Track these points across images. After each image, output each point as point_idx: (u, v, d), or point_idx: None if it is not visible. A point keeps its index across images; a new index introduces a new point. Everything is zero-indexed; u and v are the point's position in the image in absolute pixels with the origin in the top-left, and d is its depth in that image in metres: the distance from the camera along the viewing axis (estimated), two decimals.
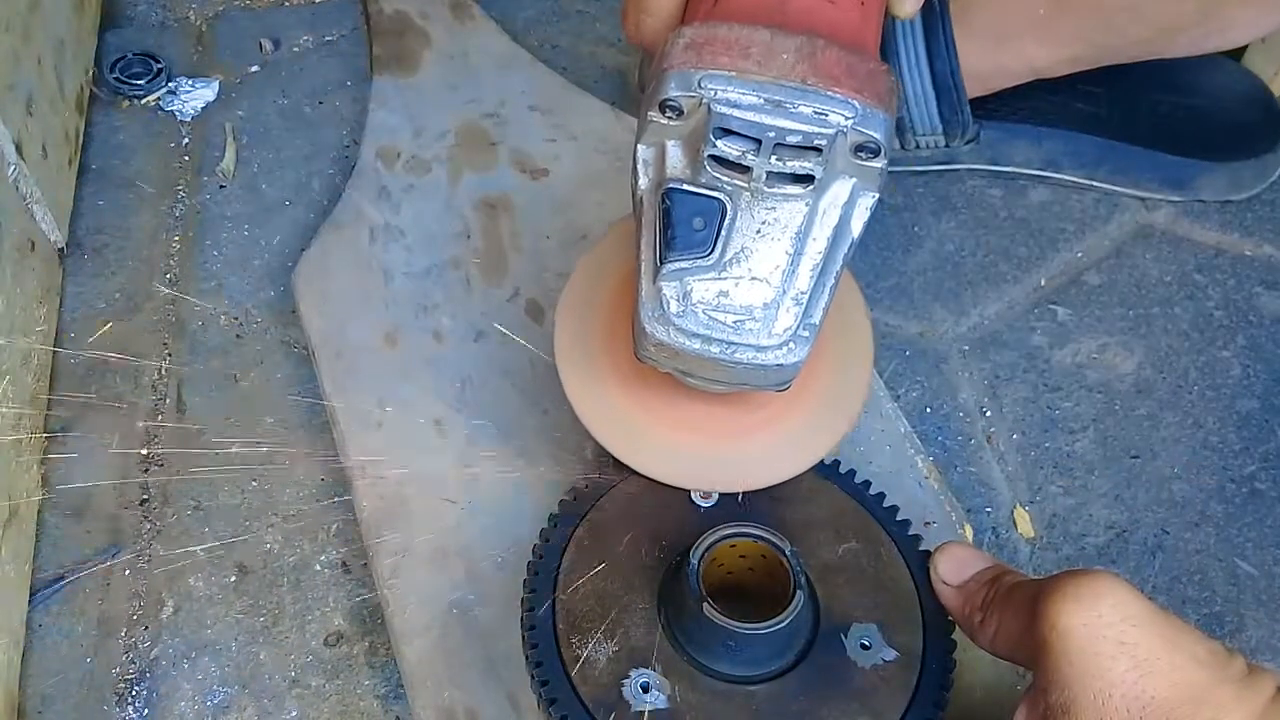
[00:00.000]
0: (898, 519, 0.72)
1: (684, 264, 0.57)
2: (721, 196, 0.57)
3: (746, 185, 0.56)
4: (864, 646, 0.66)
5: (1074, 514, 0.88)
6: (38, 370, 0.88)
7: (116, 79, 1.12)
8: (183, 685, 0.77)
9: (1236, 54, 1.11)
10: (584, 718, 0.62)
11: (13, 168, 0.87)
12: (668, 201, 0.57)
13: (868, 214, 0.58)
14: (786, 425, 0.71)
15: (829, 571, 0.69)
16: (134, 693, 0.77)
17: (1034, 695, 0.57)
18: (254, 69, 1.16)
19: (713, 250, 0.57)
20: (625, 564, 0.69)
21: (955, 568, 0.66)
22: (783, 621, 0.62)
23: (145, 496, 0.85)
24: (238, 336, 0.95)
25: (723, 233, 0.57)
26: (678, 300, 0.58)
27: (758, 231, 0.57)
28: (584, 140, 1.04)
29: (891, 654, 0.65)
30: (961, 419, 0.93)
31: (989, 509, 0.88)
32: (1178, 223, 1.07)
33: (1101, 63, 1.01)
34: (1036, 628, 0.56)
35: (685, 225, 0.57)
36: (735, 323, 0.58)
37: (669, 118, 0.56)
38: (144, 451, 0.88)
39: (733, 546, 0.66)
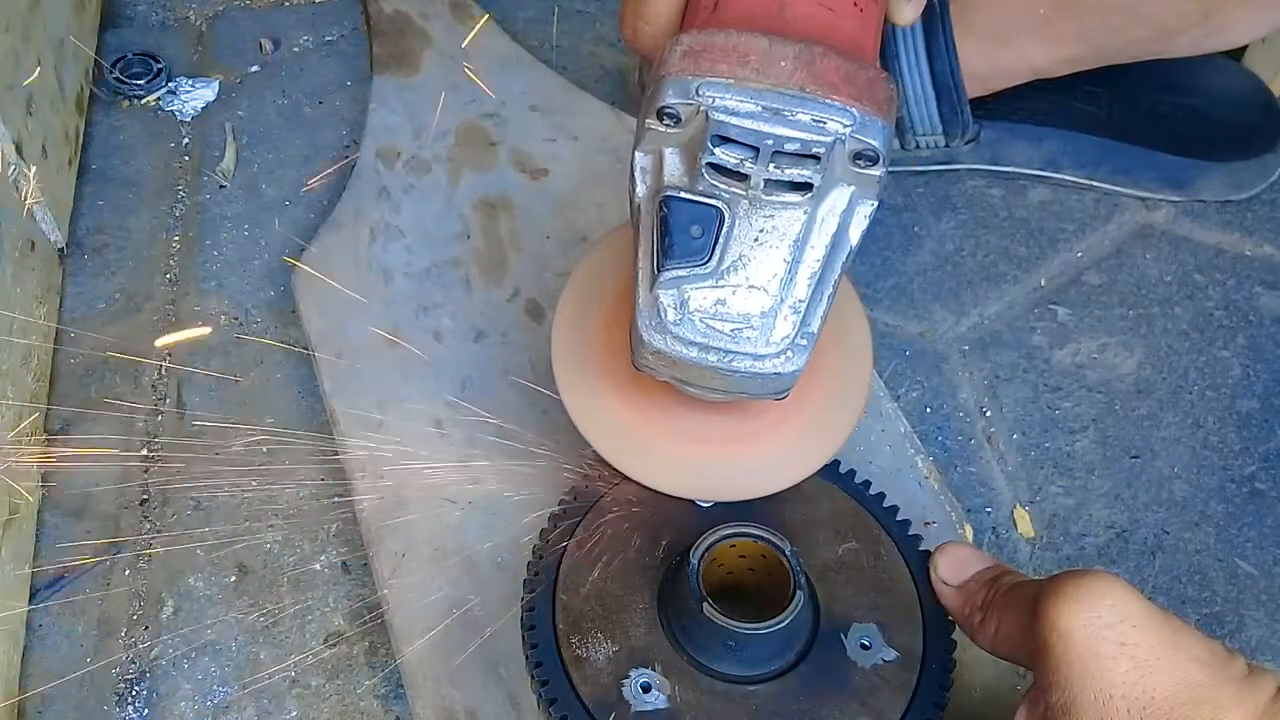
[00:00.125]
0: (898, 519, 0.72)
1: (681, 272, 0.57)
2: (719, 204, 0.56)
3: (744, 193, 0.56)
4: (864, 646, 0.66)
5: (1074, 514, 0.88)
6: (38, 370, 0.88)
7: (116, 79, 1.12)
8: (183, 685, 0.77)
9: (1236, 54, 1.11)
10: (584, 718, 0.63)
11: (13, 168, 0.87)
12: (665, 209, 0.57)
13: (866, 222, 0.57)
14: (785, 433, 0.71)
15: (829, 571, 0.69)
16: (134, 693, 0.77)
17: (1034, 696, 0.58)
18: (254, 69, 1.16)
19: (710, 258, 0.57)
20: (625, 564, 0.69)
21: (955, 568, 0.66)
22: (783, 621, 0.62)
23: (145, 496, 0.86)
24: (238, 336, 0.95)
25: (720, 241, 0.57)
26: (675, 308, 0.58)
27: (755, 239, 0.57)
28: (584, 140, 1.04)
29: (891, 654, 0.66)
30: (961, 419, 0.93)
31: (989, 509, 0.88)
32: (1178, 223, 1.07)
33: (1101, 63, 1.01)
34: (1036, 628, 0.56)
35: (683, 233, 0.57)
36: (733, 331, 0.57)
37: (667, 125, 0.56)
38: (144, 451, 0.88)
39: (733, 546, 0.66)
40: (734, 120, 0.54)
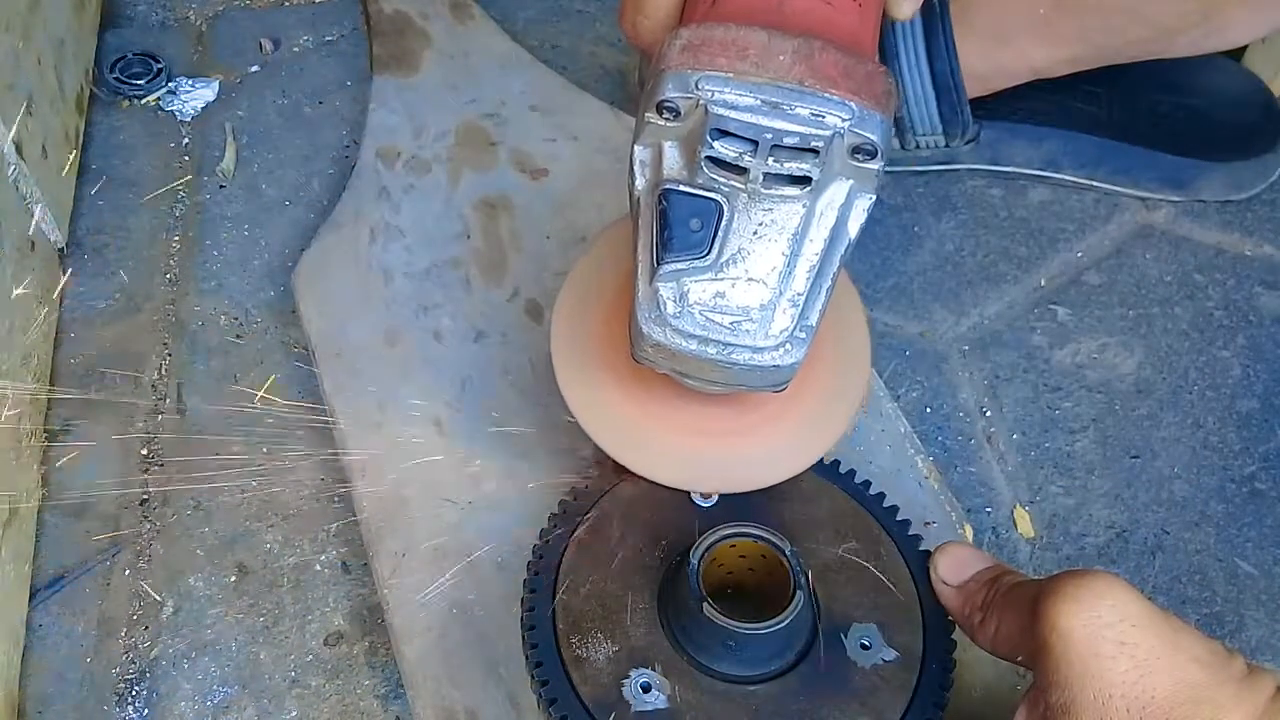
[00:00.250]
0: (898, 519, 0.72)
1: (681, 265, 0.57)
2: (718, 198, 0.57)
3: (743, 186, 0.56)
4: (864, 646, 0.66)
5: (1074, 514, 0.88)
6: (38, 370, 0.88)
7: (116, 79, 1.12)
8: (183, 685, 0.77)
9: (1236, 54, 1.11)
10: (584, 718, 0.62)
11: (13, 168, 0.87)
12: (665, 202, 0.57)
13: (864, 216, 0.58)
14: (785, 425, 0.71)
15: (829, 571, 0.69)
16: (134, 693, 0.77)
17: (1034, 695, 0.57)
18: (254, 69, 1.16)
19: (710, 251, 0.57)
20: (625, 564, 0.69)
21: (955, 568, 0.66)
22: (783, 621, 0.62)
23: (145, 496, 0.86)
24: (238, 336, 0.95)
25: (720, 234, 0.57)
26: (674, 301, 0.58)
27: (755, 233, 0.57)
28: (584, 140, 1.04)
29: (891, 654, 0.65)
30: (961, 419, 0.93)
31: (989, 509, 0.88)
32: (1178, 223, 1.07)
33: (1101, 63, 1.01)
34: (1036, 628, 0.56)
35: (682, 226, 0.57)
36: (732, 324, 0.57)
37: (666, 119, 0.56)
38: (144, 451, 0.88)
39: (733, 546, 0.66)
40: (733, 114, 0.55)
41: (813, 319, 0.58)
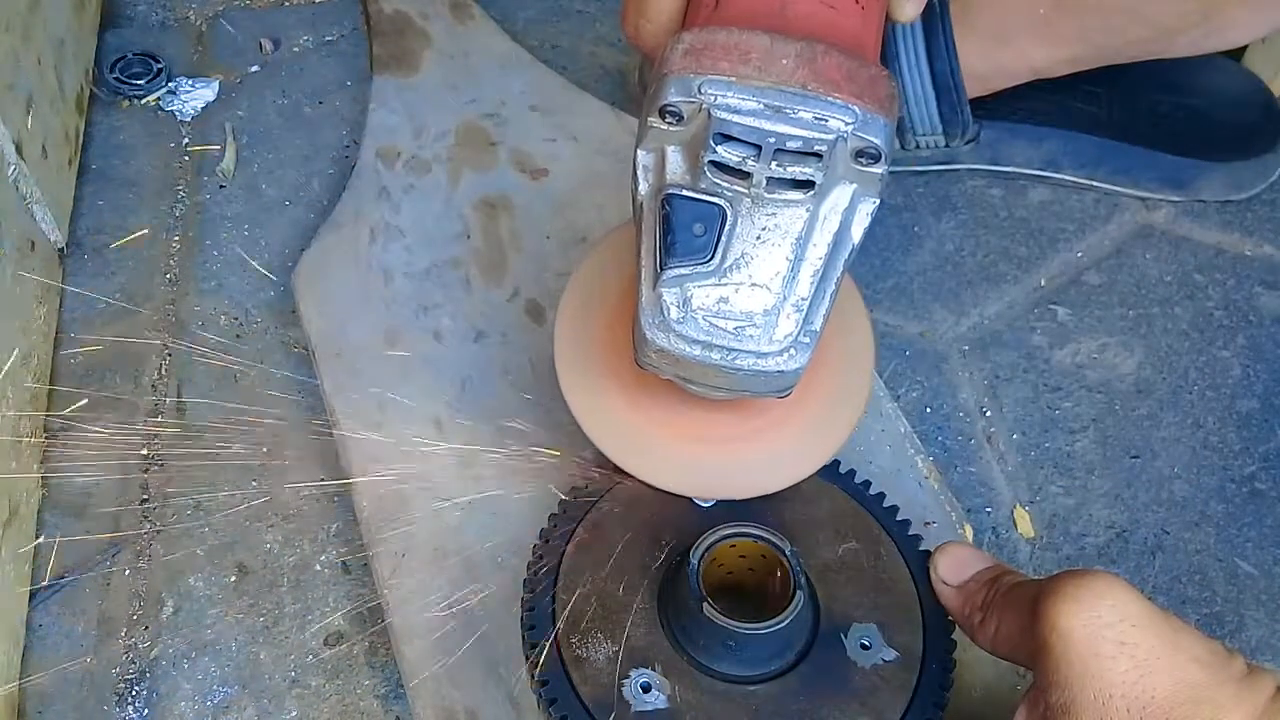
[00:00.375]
0: (898, 519, 0.72)
1: (684, 270, 0.57)
2: (722, 202, 0.56)
3: (747, 191, 0.56)
4: (864, 646, 0.66)
5: (1074, 514, 0.88)
6: (38, 370, 0.88)
7: (116, 79, 1.12)
8: (183, 685, 0.77)
9: (1236, 54, 1.11)
10: (584, 718, 0.63)
11: (13, 168, 0.87)
12: (668, 207, 0.57)
13: (868, 220, 0.57)
14: (788, 431, 0.71)
15: (829, 571, 0.69)
16: (134, 693, 0.77)
17: (1034, 695, 0.58)
18: (254, 69, 1.16)
19: (713, 256, 0.57)
20: (625, 564, 0.69)
21: (955, 568, 0.66)
22: (783, 621, 0.62)
23: (145, 496, 0.85)
24: (238, 336, 0.95)
25: (723, 239, 0.57)
26: (678, 306, 0.57)
27: (758, 237, 0.57)
28: (584, 140, 1.04)
29: (891, 654, 0.66)
30: (961, 419, 0.93)
31: (989, 509, 0.88)
32: (1178, 223, 1.07)
33: (1101, 63, 1.01)
34: (1036, 628, 0.56)
35: (685, 231, 0.57)
36: (736, 329, 0.57)
37: (669, 123, 0.56)
38: (144, 451, 0.88)
39: (733, 546, 0.66)
40: (736, 118, 0.54)
41: (817, 324, 0.58)
